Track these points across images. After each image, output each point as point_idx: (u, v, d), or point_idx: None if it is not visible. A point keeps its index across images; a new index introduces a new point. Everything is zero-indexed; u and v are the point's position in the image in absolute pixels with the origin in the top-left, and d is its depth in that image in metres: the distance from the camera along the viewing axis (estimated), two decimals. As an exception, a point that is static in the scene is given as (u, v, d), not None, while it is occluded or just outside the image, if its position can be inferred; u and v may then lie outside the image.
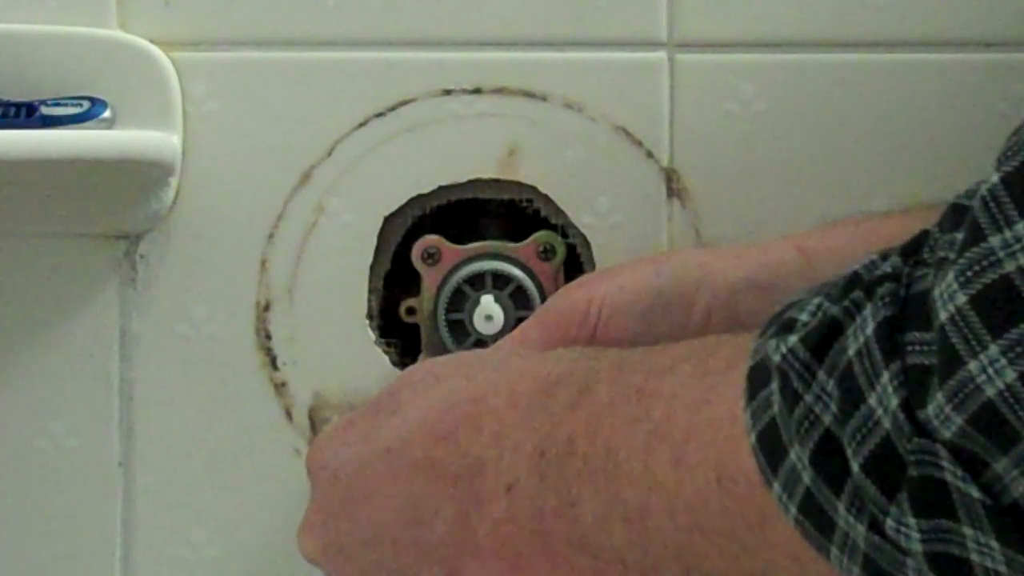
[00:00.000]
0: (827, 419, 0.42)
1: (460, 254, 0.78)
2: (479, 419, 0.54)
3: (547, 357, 0.56)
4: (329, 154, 0.78)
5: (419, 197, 0.78)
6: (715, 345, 0.50)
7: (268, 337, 0.79)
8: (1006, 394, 0.38)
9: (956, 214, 0.42)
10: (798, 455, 0.42)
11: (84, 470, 0.79)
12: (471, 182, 0.78)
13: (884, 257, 0.44)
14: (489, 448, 0.52)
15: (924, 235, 0.43)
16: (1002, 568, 0.39)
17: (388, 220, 0.78)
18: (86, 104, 0.76)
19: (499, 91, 0.77)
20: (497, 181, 0.78)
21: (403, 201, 0.78)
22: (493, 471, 0.52)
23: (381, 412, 0.59)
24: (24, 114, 0.75)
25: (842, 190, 0.75)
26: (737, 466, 0.45)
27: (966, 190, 0.42)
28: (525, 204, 0.78)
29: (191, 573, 0.79)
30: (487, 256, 0.78)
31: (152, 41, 0.77)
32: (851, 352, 0.42)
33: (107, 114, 0.76)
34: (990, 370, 0.38)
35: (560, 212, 0.77)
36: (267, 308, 0.79)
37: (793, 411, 0.42)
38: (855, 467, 0.41)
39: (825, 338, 0.43)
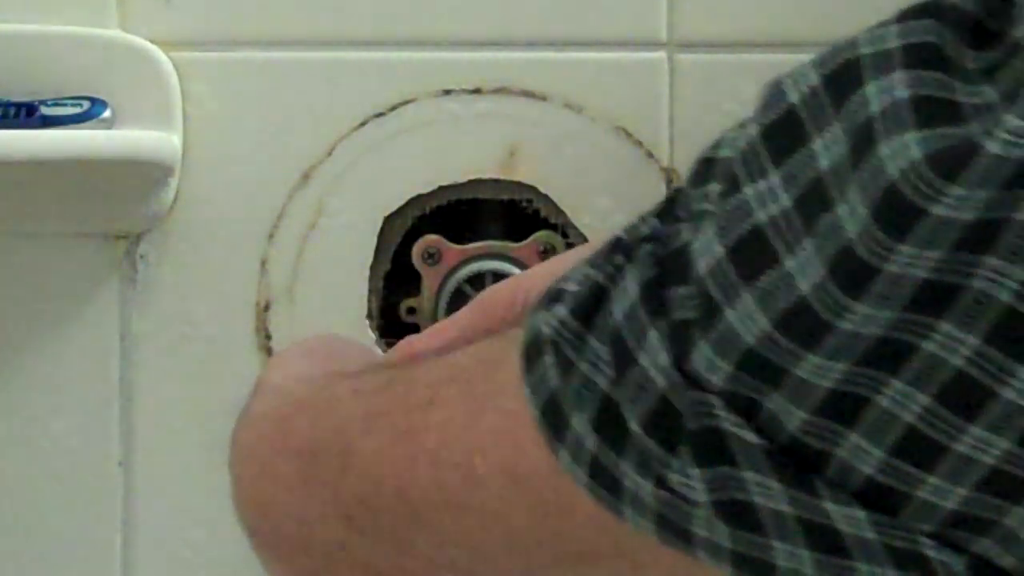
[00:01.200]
0: (603, 384, 0.42)
1: (460, 254, 0.78)
2: (261, 506, 0.54)
3: (287, 414, 0.55)
4: (329, 154, 0.78)
5: (419, 197, 0.78)
6: (479, 354, 0.50)
7: (268, 337, 0.79)
8: (763, 339, 0.38)
9: (705, 167, 0.42)
10: (579, 422, 0.42)
11: (84, 470, 0.79)
12: (471, 182, 0.78)
13: (644, 220, 0.44)
14: (298, 528, 0.52)
15: (677, 193, 0.44)
16: (785, 507, 0.39)
17: (388, 220, 0.78)
18: (86, 104, 0.76)
19: (499, 91, 0.77)
20: (497, 181, 0.78)
21: (403, 201, 0.78)
22: (317, 544, 0.52)
23: None
24: (24, 114, 0.75)
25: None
26: (527, 462, 0.45)
27: (713, 142, 0.43)
28: (525, 204, 0.78)
29: (191, 573, 0.79)
30: (487, 256, 0.78)
31: (152, 41, 0.78)
32: (618, 316, 0.42)
33: (107, 114, 0.76)
34: (745, 317, 0.39)
35: (560, 212, 0.77)
36: (267, 308, 0.79)
37: (569, 380, 0.43)
38: (635, 427, 0.41)
39: (592, 305, 0.43)
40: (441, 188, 0.78)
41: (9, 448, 0.80)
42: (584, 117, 0.77)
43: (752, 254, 0.39)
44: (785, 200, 0.39)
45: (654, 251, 0.42)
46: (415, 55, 0.78)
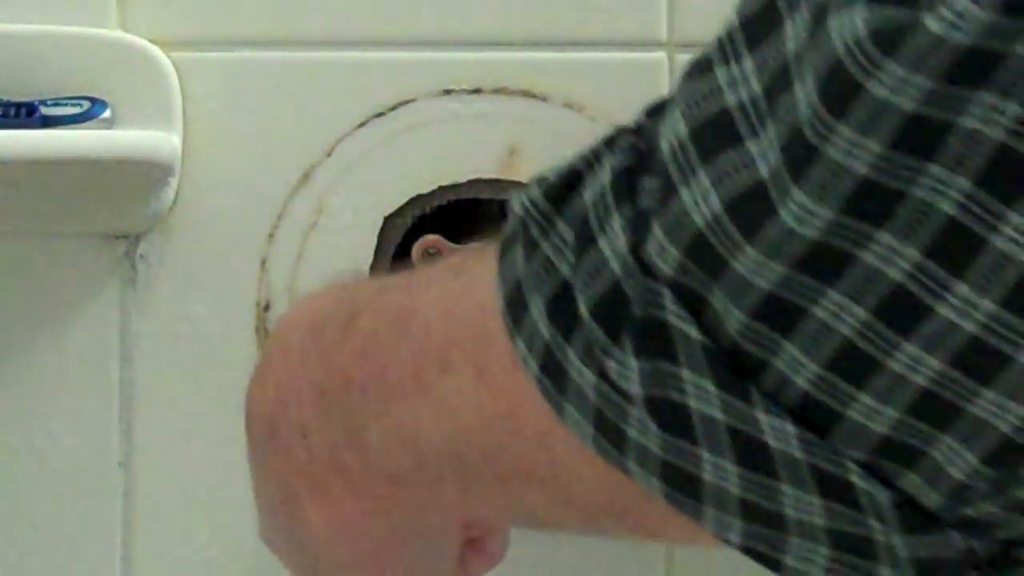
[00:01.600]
0: (563, 267, 0.41)
1: (460, 254, 0.78)
2: (263, 381, 0.54)
3: (316, 299, 0.55)
4: (329, 154, 0.78)
5: (419, 197, 0.78)
6: (477, 247, 0.50)
7: (268, 337, 0.79)
8: (712, 222, 0.37)
9: (697, 67, 0.42)
10: (537, 307, 0.41)
11: (84, 470, 0.79)
12: (471, 182, 0.78)
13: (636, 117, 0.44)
14: (276, 404, 0.52)
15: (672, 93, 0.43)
16: (718, 414, 0.38)
17: (388, 220, 0.78)
18: (86, 104, 0.76)
19: (499, 91, 0.77)
20: (497, 181, 0.78)
21: (403, 201, 0.78)
22: (284, 423, 0.52)
23: None
24: (24, 114, 0.75)
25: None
26: (491, 352, 0.44)
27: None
28: (525, 204, 0.78)
29: (191, 573, 0.79)
30: (487, 256, 0.78)
31: (152, 41, 0.78)
32: (587, 199, 0.41)
33: (107, 114, 0.76)
34: (698, 198, 0.38)
35: (560, 212, 0.77)
36: (267, 308, 0.79)
37: (532, 263, 0.42)
38: (584, 311, 0.40)
39: (565, 188, 0.42)
40: (441, 188, 0.78)
41: (9, 448, 0.80)
42: (584, 117, 0.77)
43: (715, 135, 0.38)
44: (755, 85, 0.38)
45: (634, 143, 0.42)
46: (415, 55, 0.78)
